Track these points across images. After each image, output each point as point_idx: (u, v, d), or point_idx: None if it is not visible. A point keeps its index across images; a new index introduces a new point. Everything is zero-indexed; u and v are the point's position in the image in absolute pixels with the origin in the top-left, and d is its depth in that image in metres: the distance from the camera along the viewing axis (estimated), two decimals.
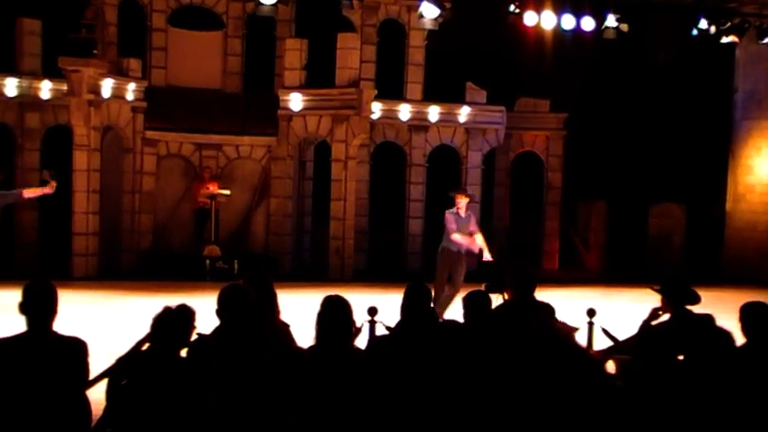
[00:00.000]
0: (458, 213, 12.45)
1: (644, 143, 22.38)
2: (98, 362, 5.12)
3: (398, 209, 20.52)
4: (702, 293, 6.76)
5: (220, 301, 5.29)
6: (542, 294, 7.45)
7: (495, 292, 7.78)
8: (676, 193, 21.96)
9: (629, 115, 22.31)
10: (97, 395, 5.07)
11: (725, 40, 18.60)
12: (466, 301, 6.09)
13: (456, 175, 20.80)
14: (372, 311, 8.18)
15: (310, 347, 5.16)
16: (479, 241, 12.50)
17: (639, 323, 6.89)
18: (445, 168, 20.67)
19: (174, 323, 4.97)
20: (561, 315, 7.22)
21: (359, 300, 7.87)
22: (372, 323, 8.13)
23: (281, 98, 19.34)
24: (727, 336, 4.99)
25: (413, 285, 6.01)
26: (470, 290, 6.30)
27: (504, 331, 5.43)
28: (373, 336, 7.76)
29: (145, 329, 5.08)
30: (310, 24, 19.92)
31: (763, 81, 21.26)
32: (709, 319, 5.79)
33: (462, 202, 12.52)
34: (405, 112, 20.24)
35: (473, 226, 12.60)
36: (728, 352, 4.80)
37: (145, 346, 5.11)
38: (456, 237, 12.25)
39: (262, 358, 5.00)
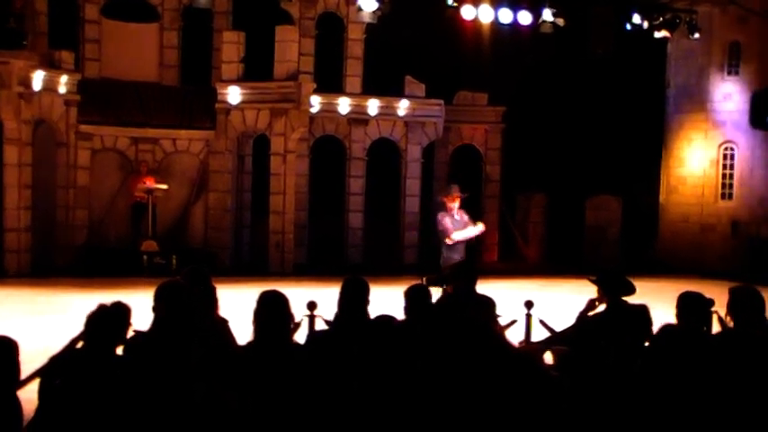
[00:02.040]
0: (451, 215, 11.38)
1: (581, 136, 22.70)
2: (30, 361, 5.00)
3: (338, 202, 20.49)
4: (637, 284, 6.87)
5: (157, 298, 5.21)
6: (482, 287, 7.49)
7: (435, 285, 7.81)
8: (612, 186, 22.33)
9: (566, 108, 22.61)
10: (29, 395, 4.95)
11: (657, 35, 18.96)
12: (406, 294, 6.09)
13: (396, 169, 20.84)
14: (312, 306, 8.13)
15: (248, 343, 5.11)
16: (478, 227, 11.51)
17: (576, 314, 6.98)
18: (385, 162, 20.71)
19: (108, 320, 4.88)
20: (501, 307, 7.28)
21: (299, 294, 7.83)
22: (312, 317, 8.08)
23: (218, 91, 19.15)
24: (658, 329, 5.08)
25: (350, 279, 6.00)
26: (411, 284, 6.31)
27: (444, 325, 5.45)
28: (312, 330, 7.72)
29: (79, 327, 4.98)
30: (248, 17, 19.75)
31: (693, 76, 21.74)
32: (643, 309, 5.89)
33: (455, 204, 11.42)
34: (344, 105, 20.20)
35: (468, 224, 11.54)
36: (663, 341, 4.89)
37: (79, 345, 5.01)
38: (457, 236, 11.24)
39: (199, 355, 4.94)
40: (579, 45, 21.37)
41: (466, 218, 11.56)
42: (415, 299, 6.02)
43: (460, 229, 11.36)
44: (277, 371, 4.85)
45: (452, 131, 21.83)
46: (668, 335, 5.00)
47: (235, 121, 19.13)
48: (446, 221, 11.34)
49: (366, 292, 5.91)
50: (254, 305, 5.15)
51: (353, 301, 5.84)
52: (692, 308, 5.53)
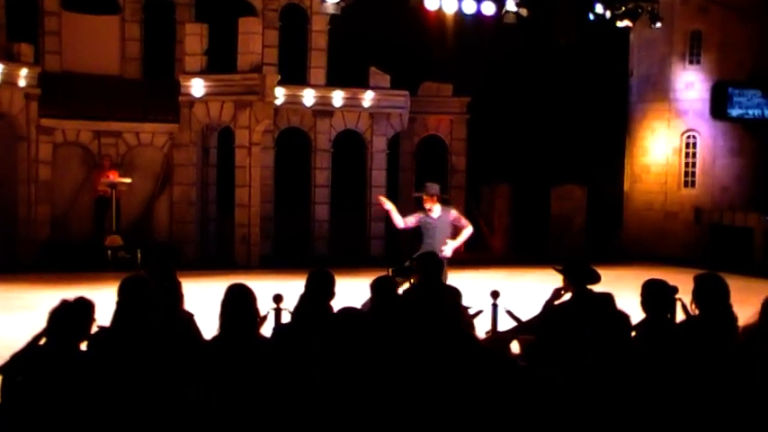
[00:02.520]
0: (428, 216, 10.48)
1: (545, 126, 22.84)
2: None
3: (304, 195, 20.44)
4: (602, 272, 6.93)
5: (121, 292, 5.16)
6: (448, 277, 7.52)
7: (401, 276, 7.82)
8: (577, 175, 22.50)
9: (530, 98, 22.72)
10: None
11: (620, 24, 19.10)
12: (372, 286, 6.09)
13: (361, 160, 20.82)
14: (278, 299, 8.10)
15: (214, 337, 5.08)
16: (460, 239, 10.69)
17: (543, 303, 7.02)
18: (350, 153, 20.69)
19: (71, 316, 4.82)
20: (467, 298, 7.31)
21: (265, 287, 7.79)
22: (278, 311, 8.06)
23: (182, 84, 18.98)
24: (623, 316, 5.12)
25: (315, 272, 5.99)
26: (377, 275, 6.30)
27: (410, 316, 5.46)
28: (279, 324, 7.69)
29: (42, 324, 4.92)
30: (211, 8, 19.60)
31: (656, 65, 21.93)
32: (608, 297, 5.94)
33: (429, 204, 10.46)
34: (309, 97, 20.14)
35: (461, 223, 10.76)
36: (624, 331, 4.93)
37: (42, 341, 4.95)
38: (447, 250, 10.32)
39: (164, 350, 4.90)
40: (543, 35, 21.50)
41: (453, 215, 10.72)
42: (381, 290, 6.01)
43: (434, 230, 10.51)
44: (243, 365, 4.82)
45: (418, 122, 21.85)
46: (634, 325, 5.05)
47: (199, 113, 18.98)
48: (414, 216, 10.63)
49: (331, 284, 5.90)
50: (220, 299, 5.12)
51: (318, 293, 5.83)
52: (657, 295, 5.58)
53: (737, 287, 6.08)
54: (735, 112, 21.09)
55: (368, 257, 19.71)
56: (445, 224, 10.62)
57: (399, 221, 10.64)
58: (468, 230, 10.85)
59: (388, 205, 10.66)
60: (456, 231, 10.81)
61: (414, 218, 10.66)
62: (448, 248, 10.45)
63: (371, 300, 6.07)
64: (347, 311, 4.75)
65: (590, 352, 4.72)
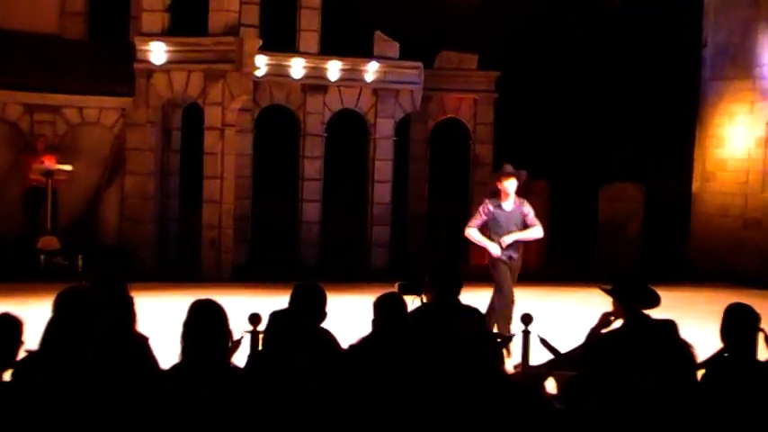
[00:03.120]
0: (499, 206, 11.16)
1: (593, 109, 22.83)
2: None
3: (290, 190, 20.46)
4: (663, 293, 6.93)
5: (57, 308, 5.18)
6: (470, 296, 7.53)
7: (410, 293, 7.84)
8: (633, 171, 22.49)
9: (574, 74, 22.72)
10: None
11: None
12: (376, 305, 6.13)
13: (362, 148, 20.84)
14: (255, 319, 8.14)
15: (175, 365, 5.11)
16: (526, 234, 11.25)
17: (587, 331, 7.03)
18: (348, 139, 20.70)
19: None
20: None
21: (239, 304, 7.81)
22: (255, 334, 8.09)
23: (138, 48, 19.02)
24: (687, 348, 5.13)
25: (302, 286, 6.02)
26: (383, 291, 6.33)
27: (421, 343, 5.48)
28: (255, 349, 7.72)
29: None
30: None
31: (737, 33, 21.88)
32: (670, 325, 5.95)
33: (509, 185, 11.11)
34: (297, 68, 20.16)
35: (529, 220, 11.26)
36: (689, 368, 4.93)
37: None
38: (473, 235, 11.24)
39: (110, 379, 4.92)
40: None
41: (527, 210, 11.27)
42: (386, 310, 6.04)
43: (508, 223, 11.15)
44: (210, 398, 4.84)
45: (433, 102, 21.86)
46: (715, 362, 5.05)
47: (159, 85, 19.02)
48: (481, 213, 11.23)
49: (321, 301, 5.93)
50: (182, 318, 5.15)
51: (306, 312, 5.86)
52: (742, 324, 5.56)
53: None
54: None
55: (368, 269, 19.75)
56: (518, 219, 11.15)
57: (489, 245, 11.19)
58: (536, 230, 11.29)
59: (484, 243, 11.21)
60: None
61: (480, 216, 11.20)
62: (508, 237, 10.98)
63: (374, 323, 6.11)
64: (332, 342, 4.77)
65: (650, 378, 4.73)
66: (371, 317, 6.20)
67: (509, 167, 11.39)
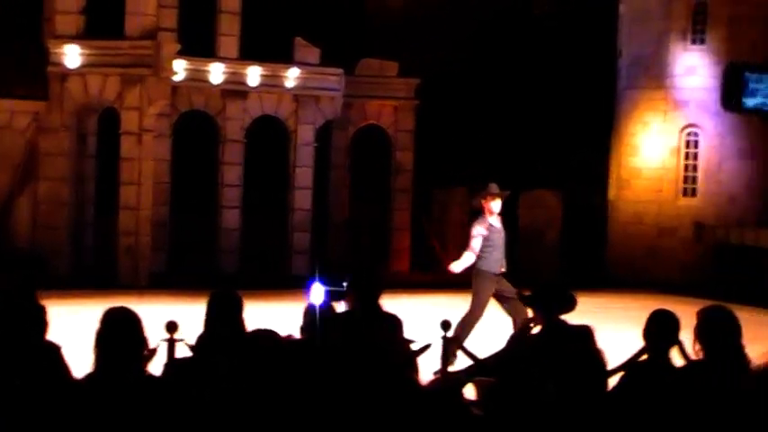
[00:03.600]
0: (490, 225, 11.54)
1: (512, 117, 23.03)
2: None
3: (209, 196, 20.31)
4: (581, 299, 7.00)
5: None
6: (389, 303, 7.51)
7: (335, 299, 7.81)
8: (551, 179, 22.73)
9: (494, 83, 22.90)
10: None
11: None
12: (304, 312, 6.12)
13: (282, 155, 20.77)
14: (171, 327, 8.01)
15: (88, 375, 5.02)
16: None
17: (507, 338, 7.06)
18: (268, 145, 20.62)
19: None
20: (410, 329, 7.30)
21: (156, 312, 7.69)
22: (171, 342, 7.97)
23: (51, 51, 18.75)
24: (599, 354, 5.18)
25: (218, 294, 5.97)
26: (299, 298, 6.32)
27: (338, 347, 5.46)
28: (172, 358, 7.61)
29: None
30: None
31: (650, 44, 22.25)
32: (587, 331, 6.00)
33: (494, 205, 11.53)
34: (216, 73, 20.03)
35: None
36: (600, 374, 4.98)
37: None
38: (458, 265, 11.56)
39: (20, 393, 4.82)
40: (512, 3, 21.74)
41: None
42: (311, 316, 6.03)
43: (498, 238, 11.56)
44: (124, 409, 4.76)
45: (354, 109, 21.88)
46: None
47: (73, 89, 18.76)
48: (478, 231, 11.43)
49: (238, 308, 5.88)
50: (96, 326, 5.06)
51: (223, 320, 5.80)
52: (663, 330, 5.62)
53: (747, 321, 6.18)
54: (751, 103, 21.47)
55: (289, 276, 19.66)
56: (500, 233, 11.62)
57: (472, 259, 11.38)
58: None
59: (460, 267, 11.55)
60: None
61: (478, 237, 11.38)
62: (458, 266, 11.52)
63: (301, 328, 6.09)
64: (262, 334, 4.73)
65: (550, 385, 4.76)
66: (300, 323, 6.17)
67: (494, 187, 11.65)
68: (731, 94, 21.40)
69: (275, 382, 4.41)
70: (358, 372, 4.74)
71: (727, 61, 21.50)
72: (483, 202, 11.67)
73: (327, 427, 4.50)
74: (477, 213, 11.90)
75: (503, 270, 11.68)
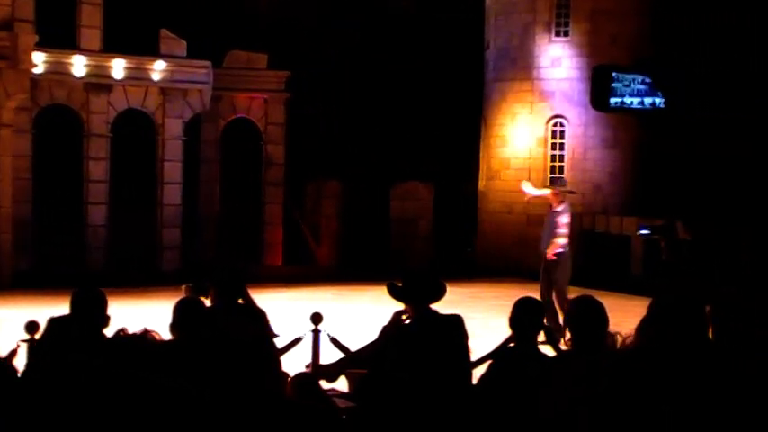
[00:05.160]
0: (551, 209, 13.69)
1: (383, 109, 23.11)
2: None
3: (74, 192, 19.87)
4: (453, 289, 7.02)
5: None
6: (262, 297, 7.44)
7: (200, 294, 7.69)
8: (422, 170, 22.88)
9: (365, 75, 22.93)
10: None
11: None
12: (175, 309, 6.06)
13: (150, 149, 20.44)
14: (32, 327, 7.79)
15: None
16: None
17: (380, 329, 7.04)
18: (135, 140, 20.28)
19: None
20: (282, 322, 7.24)
21: (19, 313, 7.44)
22: (32, 342, 7.73)
23: None
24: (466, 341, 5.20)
25: (81, 292, 5.85)
26: (172, 295, 6.22)
27: (201, 342, 5.37)
28: (32, 358, 7.38)
29: None
30: None
31: (517, 36, 22.59)
32: (457, 320, 6.02)
33: (560, 197, 13.62)
34: (79, 66, 19.57)
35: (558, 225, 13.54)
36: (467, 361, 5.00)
37: None
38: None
39: None
40: None
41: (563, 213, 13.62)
42: (180, 312, 5.95)
43: (549, 223, 13.75)
44: None
45: (223, 102, 21.66)
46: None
47: None
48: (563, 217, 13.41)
49: (101, 307, 5.74)
50: None
51: (86, 318, 5.66)
52: (530, 317, 5.70)
53: (612, 306, 6.31)
54: (615, 101, 22.01)
55: (159, 273, 19.38)
56: (553, 222, 13.47)
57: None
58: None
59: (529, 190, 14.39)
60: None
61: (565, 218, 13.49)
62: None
63: (171, 326, 5.97)
64: (126, 337, 4.59)
65: (406, 373, 4.76)
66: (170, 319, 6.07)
67: (558, 181, 14.32)
68: (600, 94, 21.89)
69: (140, 381, 4.28)
70: (214, 368, 4.66)
71: (590, 54, 21.97)
72: (554, 194, 13.69)
73: (193, 424, 4.39)
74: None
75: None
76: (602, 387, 4.23)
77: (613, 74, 21.81)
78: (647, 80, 22.03)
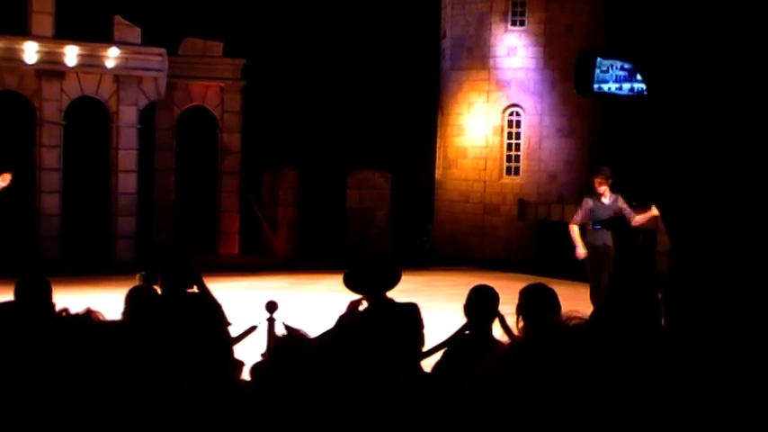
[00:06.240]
0: (599, 200, 13.16)
1: (340, 97, 23.06)
2: None
3: (27, 181, 19.62)
4: (409, 277, 7.01)
5: None
6: (218, 286, 7.38)
7: (152, 282, 7.62)
8: (379, 159, 22.86)
9: (321, 63, 22.86)
10: None
11: None
12: (127, 298, 6.03)
13: (104, 137, 20.27)
14: None
15: None
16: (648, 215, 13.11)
17: (336, 318, 7.01)
18: (89, 127, 20.11)
19: None
20: (237, 311, 7.19)
21: None
22: None
23: None
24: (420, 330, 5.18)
25: (24, 281, 5.85)
26: (127, 284, 6.18)
27: (149, 325, 5.34)
28: None
29: None
30: None
31: (473, 25, 22.62)
32: (413, 308, 6.01)
33: (604, 187, 13.12)
34: (30, 52, 19.33)
35: (625, 211, 13.29)
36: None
37: None
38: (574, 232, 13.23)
39: None
40: None
41: (621, 203, 13.22)
42: (132, 301, 5.90)
43: (603, 213, 13.07)
44: None
45: (178, 89, 21.52)
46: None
47: None
48: (584, 206, 13.12)
49: (46, 295, 5.70)
50: None
51: (30, 307, 5.61)
52: (484, 305, 5.71)
53: (566, 295, 6.33)
54: (599, 87, 22.06)
55: (113, 262, 19.25)
56: (612, 211, 13.08)
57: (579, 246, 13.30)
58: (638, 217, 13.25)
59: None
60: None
61: (581, 212, 13.18)
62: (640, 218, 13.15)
63: (123, 314, 5.93)
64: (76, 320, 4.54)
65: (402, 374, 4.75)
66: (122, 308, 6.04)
67: (606, 171, 13.28)
68: (583, 79, 21.85)
69: (87, 368, 4.23)
70: (156, 358, 4.62)
71: (546, 43, 22.05)
72: (597, 182, 13.26)
73: (141, 412, 4.34)
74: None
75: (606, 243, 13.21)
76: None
77: (597, 59, 21.83)
78: (627, 66, 22.11)
